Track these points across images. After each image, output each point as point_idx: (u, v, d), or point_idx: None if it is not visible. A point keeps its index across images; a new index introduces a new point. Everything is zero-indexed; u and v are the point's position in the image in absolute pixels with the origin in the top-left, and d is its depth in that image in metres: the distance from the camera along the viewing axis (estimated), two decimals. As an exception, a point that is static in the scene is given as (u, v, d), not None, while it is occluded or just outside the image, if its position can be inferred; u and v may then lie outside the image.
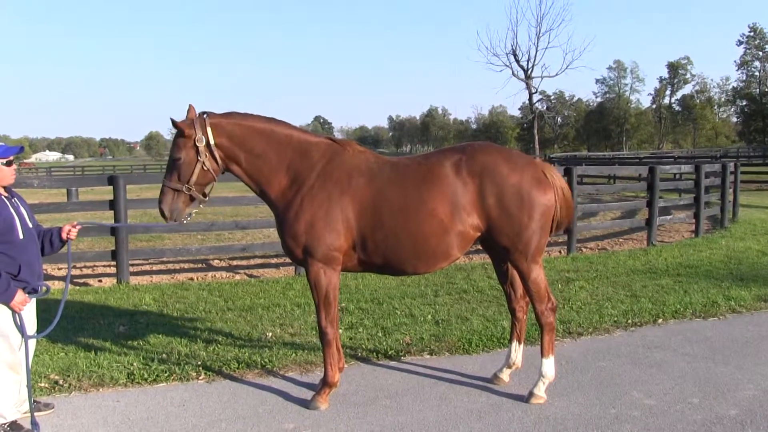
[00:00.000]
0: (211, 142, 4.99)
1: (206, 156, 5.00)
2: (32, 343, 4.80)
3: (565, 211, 5.28)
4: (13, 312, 4.54)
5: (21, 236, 4.59)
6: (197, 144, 4.95)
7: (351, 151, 5.23)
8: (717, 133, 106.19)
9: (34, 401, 4.95)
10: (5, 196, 4.64)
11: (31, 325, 4.78)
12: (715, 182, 16.60)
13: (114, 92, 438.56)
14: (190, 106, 5.06)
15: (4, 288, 4.42)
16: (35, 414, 4.75)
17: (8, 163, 4.65)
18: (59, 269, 11.61)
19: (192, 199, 5.10)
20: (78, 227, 5.04)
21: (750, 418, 4.89)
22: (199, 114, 5.04)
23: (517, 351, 5.67)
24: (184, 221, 5.32)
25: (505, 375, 5.67)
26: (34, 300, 4.79)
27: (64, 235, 4.99)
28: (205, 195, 5.19)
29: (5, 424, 4.59)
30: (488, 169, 5.01)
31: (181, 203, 5.07)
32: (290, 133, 5.23)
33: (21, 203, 4.80)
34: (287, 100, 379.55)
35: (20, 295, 4.51)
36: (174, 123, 4.92)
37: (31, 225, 4.76)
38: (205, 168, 5.02)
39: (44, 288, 4.78)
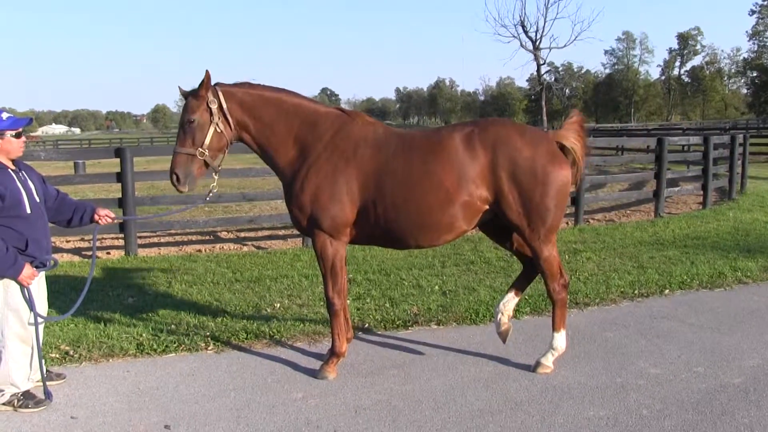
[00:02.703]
0: (224, 105, 4.92)
1: (220, 117, 4.91)
2: (42, 314, 4.83)
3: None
4: (22, 286, 4.56)
5: (28, 210, 4.57)
6: (210, 106, 4.88)
7: (360, 122, 5.16)
8: (726, 104, 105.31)
9: (47, 371, 5.01)
10: (12, 170, 4.63)
11: (41, 299, 4.82)
12: (724, 154, 16.47)
13: (120, 65, 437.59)
14: (206, 71, 4.90)
15: (11, 262, 4.42)
16: (48, 383, 4.82)
17: (17, 135, 4.62)
18: (67, 242, 11.68)
19: (206, 165, 4.98)
20: (115, 219, 5.25)
21: (754, 385, 4.92)
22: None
23: (512, 302, 5.48)
24: (207, 198, 5.35)
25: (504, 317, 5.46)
26: (43, 274, 4.82)
27: (96, 218, 5.06)
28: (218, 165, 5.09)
29: (18, 393, 4.65)
30: (501, 141, 4.92)
31: (195, 168, 4.93)
32: (299, 103, 5.16)
33: (30, 176, 4.77)
34: (294, 71, 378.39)
35: (28, 269, 4.51)
36: (183, 92, 4.95)
37: (38, 199, 4.74)
38: (219, 130, 4.92)
39: (52, 261, 4.81)
